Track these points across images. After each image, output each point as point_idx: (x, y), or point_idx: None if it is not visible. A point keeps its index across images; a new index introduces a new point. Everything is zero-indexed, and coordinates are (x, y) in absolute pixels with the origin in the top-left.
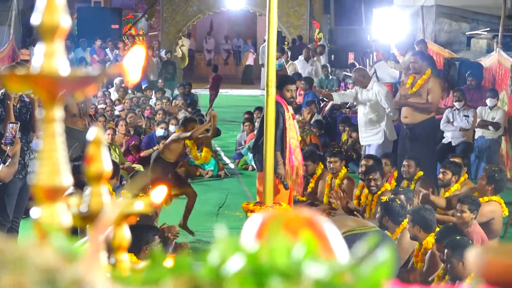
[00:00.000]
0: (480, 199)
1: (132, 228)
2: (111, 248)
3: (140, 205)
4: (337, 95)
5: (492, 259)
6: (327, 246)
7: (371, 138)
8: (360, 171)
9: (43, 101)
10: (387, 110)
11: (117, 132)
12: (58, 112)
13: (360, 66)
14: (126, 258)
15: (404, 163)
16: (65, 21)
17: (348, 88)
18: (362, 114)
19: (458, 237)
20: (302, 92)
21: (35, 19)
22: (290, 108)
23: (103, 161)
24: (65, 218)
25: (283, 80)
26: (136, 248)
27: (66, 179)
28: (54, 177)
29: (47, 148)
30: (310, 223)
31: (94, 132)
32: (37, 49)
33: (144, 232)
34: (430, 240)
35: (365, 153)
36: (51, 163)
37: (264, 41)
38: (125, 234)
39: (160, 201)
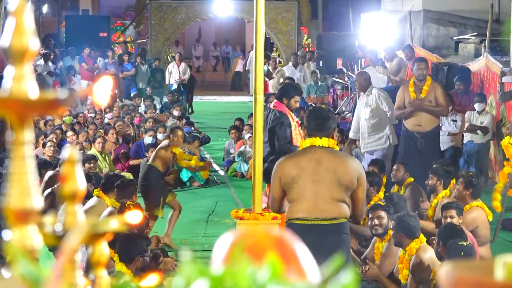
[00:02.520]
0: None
1: (126, 237)
2: (90, 265)
3: (115, 224)
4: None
5: (461, 275)
6: (297, 266)
7: (375, 144)
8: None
9: (12, 124)
10: (388, 113)
11: (106, 141)
12: (27, 135)
13: (363, 70)
14: (105, 275)
15: (394, 167)
16: (34, 45)
17: (337, 94)
18: (364, 120)
19: (463, 243)
20: None
21: (4, 42)
22: (294, 116)
23: (77, 180)
24: (36, 240)
25: (292, 90)
26: (129, 257)
27: (37, 201)
28: (25, 200)
29: (17, 171)
30: (279, 243)
31: (68, 151)
32: (7, 72)
33: (138, 242)
34: (413, 246)
35: (367, 160)
36: (21, 185)
37: (252, 47)
38: (103, 251)
39: (136, 222)
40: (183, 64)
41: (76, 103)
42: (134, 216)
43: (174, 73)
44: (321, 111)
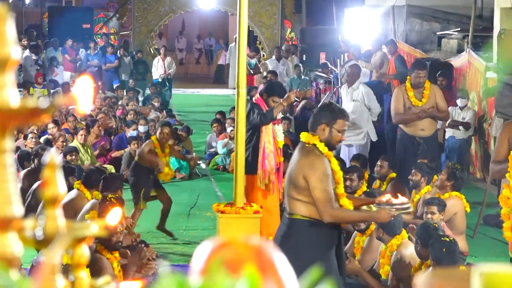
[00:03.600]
0: (442, 196)
1: None
2: (70, 266)
3: (95, 228)
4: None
5: (439, 284)
6: (275, 277)
7: (353, 138)
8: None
9: None
10: (373, 110)
11: (89, 133)
12: (8, 143)
13: (356, 62)
14: (85, 276)
15: (378, 163)
16: (16, 53)
17: (320, 88)
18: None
19: (447, 239)
20: None
21: None
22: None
23: (58, 184)
24: (17, 248)
25: (273, 90)
26: None
27: (18, 209)
28: (6, 208)
29: None
30: (257, 253)
31: (49, 156)
32: None
33: None
34: (395, 242)
35: (346, 154)
36: (2, 194)
37: (235, 40)
38: (83, 253)
39: (115, 224)
40: (168, 58)
41: (58, 94)
42: (114, 216)
43: (159, 68)
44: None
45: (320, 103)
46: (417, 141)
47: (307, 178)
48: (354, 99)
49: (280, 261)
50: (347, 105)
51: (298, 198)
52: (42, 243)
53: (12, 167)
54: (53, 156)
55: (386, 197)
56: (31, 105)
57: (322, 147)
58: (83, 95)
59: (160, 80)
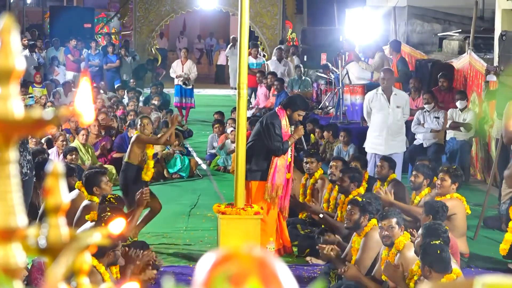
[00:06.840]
0: (443, 198)
1: None
2: (72, 272)
3: (98, 237)
4: None
5: None
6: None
7: (397, 147)
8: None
9: None
10: (406, 115)
11: (89, 133)
12: (12, 154)
13: (387, 67)
14: (86, 282)
15: (378, 163)
16: (20, 64)
17: (320, 89)
18: (393, 120)
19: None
20: (275, 93)
21: None
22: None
23: (61, 193)
24: (20, 258)
25: (297, 105)
26: (100, 252)
27: (21, 219)
28: (9, 218)
29: (1, 189)
30: (261, 265)
31: (52, 164)
32: None
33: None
34: (402, 240)
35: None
36: (6, 204)
37: (235, 40)
38: (85, 259)
39: (119, 232)
40: (189, 62)
41: (59, 95)
42: (117, 225)
43: (178, 71)
44: None
45: None
46: None
47: None
48: (398, 105)
49: (283, 273)
50: (394, 112)
51: None
52: (45, 251)
53: (16, 178)
54: (56, 164)
55: None
56: (35, 116)
57: None
58: (85, 106)
59: (180, 83)
